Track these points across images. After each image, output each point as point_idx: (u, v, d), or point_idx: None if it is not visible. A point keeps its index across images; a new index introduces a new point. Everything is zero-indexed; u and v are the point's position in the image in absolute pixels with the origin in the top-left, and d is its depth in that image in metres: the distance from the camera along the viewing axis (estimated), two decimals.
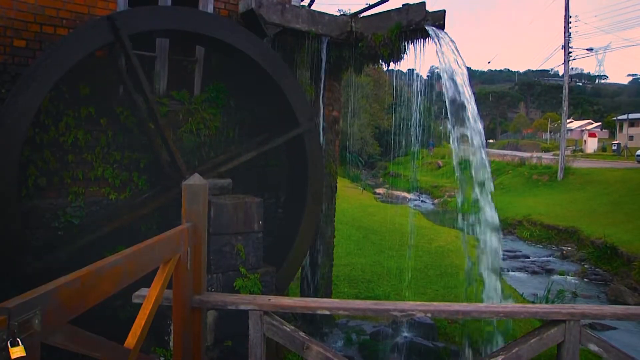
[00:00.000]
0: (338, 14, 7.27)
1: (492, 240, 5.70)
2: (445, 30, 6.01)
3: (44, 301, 1.78)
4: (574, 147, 51.85)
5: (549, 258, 15.37)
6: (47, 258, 4.74)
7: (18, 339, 1.59)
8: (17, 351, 1.56)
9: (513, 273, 13.28)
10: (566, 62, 27.71)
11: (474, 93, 5.98)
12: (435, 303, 4.05)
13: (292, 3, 6.66)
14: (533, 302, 9.37)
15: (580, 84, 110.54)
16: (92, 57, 5.09)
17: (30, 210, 5.10)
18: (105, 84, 5.53)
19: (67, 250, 4.85)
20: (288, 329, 3.51)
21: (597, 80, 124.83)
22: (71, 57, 4.62)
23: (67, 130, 5.28)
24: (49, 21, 5.18)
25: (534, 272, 13.51)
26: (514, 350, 3.51)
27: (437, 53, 5.89)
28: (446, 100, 5.83)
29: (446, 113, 6.03)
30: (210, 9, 6.15)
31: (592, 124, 76.31)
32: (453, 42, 5.91)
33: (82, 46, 4.69)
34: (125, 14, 5.09)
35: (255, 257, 5.36)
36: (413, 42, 6.28)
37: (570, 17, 27.38)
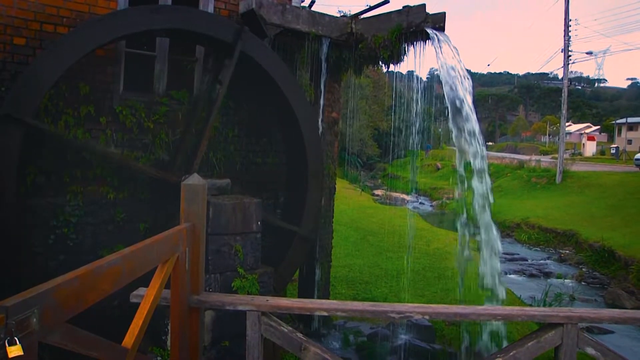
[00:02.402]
0: (338, 15, 7.26)
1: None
2: (445, 33, 6.02)
3: (41, 300, 1.77)
4: (573, 151, 51.92)
5: (546, 261, 15.37)
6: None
7: (15, 338, 1.59)
8: (15, 350, 1.56)
9: (511, 276, 13.28)
10: (565, 65, 27.73)
11: (473, 95, 5.98)
12: (433, 305, 4.05)
13: (293, 4, 6.67)
14: (531, 305, 9.38)
15: (580, 87, 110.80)
16: (91, 56, 5.09)
17: (29, 209, 5.09)
18: (105, 82, 5.53)
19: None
20: (286, 330, 3.51)
21: (596, 84, 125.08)
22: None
23: (67, 128, 5.27)
24: (49, 19, 5.18)
25: (531, 275, 13.51)
26: (511, 353, 3.51)
27: (437, 55, 5.89)
28: (447, 102, 5.82)
29: (445, 115, 6.03)
30: (210, 9, 6.15)
31: (591, 127, 76.36)
32: (453, 44, 5.91)
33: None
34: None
35: (254, 258, 5.36)
36: (413, 44, 6.28)
37: (570, 20, 27.42)
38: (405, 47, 6.33)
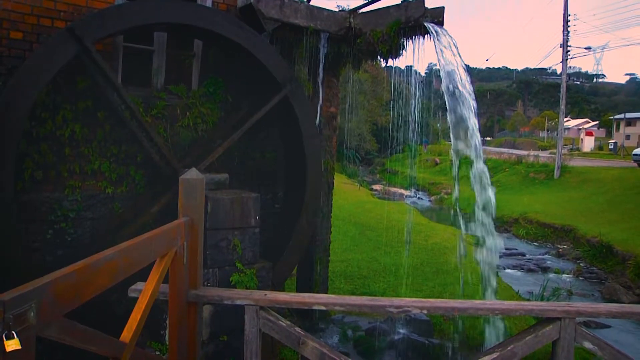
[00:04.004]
0: (337, 9, 7.23)
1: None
2: (444, 27, 6.00)
3: (39, 294, 1.77)
4: (571, 146, 51.94)
5: (544, 256, 15.40)
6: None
7: (13, 332, 1.58)
8: (12, 344, 1.56)
9: (509, 271, 13.31)
10: (564, 60, 27.74)
11: (472, 91, 5.97)
12: (431, 300, 4.07)
13: None
14: (529, 300, 9.41)
15: (578, 82, 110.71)
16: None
17: (27, 204, 5.08)
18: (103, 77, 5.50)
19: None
20: (284, 324, 3.51)
21: (594, 79, 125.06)
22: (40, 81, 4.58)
23: (64, 123, 5.26)
24: (46, 13, 5.15)
25: (529, 270, 13.54)
26: (509, 348, 3.51)
27: (435, 50, 5.88)
28: (445, 97, 5.82)
29: (443, 110, 6.03)
30: (209, 3, 6.12)
31: (590, 122, 76.38)
32: (452, 39, 5.90)
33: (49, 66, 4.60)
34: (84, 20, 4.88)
35: (252, 252, 5.36)
36: (412, 38, 6.26)
37: (569, 15, 27.41)
38: (403, 42, 6.32)
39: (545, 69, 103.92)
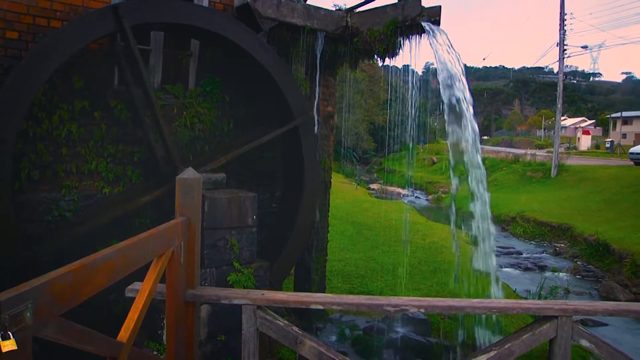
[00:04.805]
0: (334, 8, 7.23)
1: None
2: (440, 26, 6.00)
3: (35, 294, 1.77)
4: (568, 145, 52.10)
5: (542, 255, 15.43)
6: (37, 248, 4.74)
7: (9, 333, 1.58)
8: (8, 344, 1.55)
9: (506, 269, 13.33)
10: (561, 59, 27.78)
11: (469, 89, 5.98)
12: (428, 298, 4.07)
13: None
14: (526, 298, 9.42)
15: (575, 81, 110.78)
16: (86, 50, 5.07)
17: (24, 204, 5.07)
18: (100, 77, 5.50)
19: (57, 242, 4.84)
20: (281, 324, 3.51)
21: (591, 78, 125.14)
22: (73, 45, 4.64)
23: (61, 123, 5.25)
24: (42, 13, 5.14)
25: (527, 269, 13.57)
26: (506, 346, 3.52)
27: (432, 49, 5.88)
28: (442, 95, 5.82)
29: (441, 109, 6.04)
30: (205, 3, 6.12)
31: (586, 121, 76.50)
32: (448, 38, 5.90)
33: (84, 34, 4.71)
34: (128, 4, 5.09)
35: (249, 252, 5.35)
36: (408, 37, 6.26)
37: (566, 14, 27.46)
38: (400, 41, 6.31)
39: (542, 68, 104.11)
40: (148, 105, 5.35)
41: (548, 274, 12.89)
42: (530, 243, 17.23)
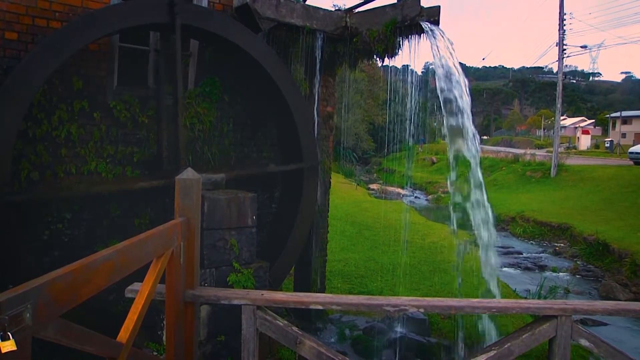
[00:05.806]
0: (333, 9, 7.23)
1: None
2: (439, 26, 6.01)
3: (35, 295, 1.77)
4: (568, 144, 52.08)
5: (541, 254, 15.42)
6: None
7: (9, 333, 1.58)
8: (8, 345, 1.55)
9: (506, 269, 13.33)
10: (560, 59, 27.79)
11: (469, 89, 5.98)
12: (428, 298, 4.07)
13: None
14: (525, 298, 9.43)
15: (574, 81, 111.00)
16: (85, 51, 5.06)
17: (23, 205, 5.05)
18: (99, 77, 5.49)
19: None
20: (281, 324, 3.51)
21: (590, 78, 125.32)
22: (123, 22, 4.83)
23: (60, 124, 5.24)
24: (41, 14, 5.13)
25: (526, 268, 13.56)
26: (506, 346, 3.52)
27: (431, 49, 5.89)
28: (440, 96, 5.83)
29: (440, 109, 6.04)
30: (204, 3, 6.12)
31: (586, 121, 76.49)
32: (448, 38, 5.91)
33: (135, 16, 4.90)
34: (184, 4, 5.23)
35: (249, 252, 5.35)
36: (408, 37, 6.26)
37: (565, 14, 27.47)
38: (400, 41, 6.31)
39: (542, 68, 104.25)
40: (173, 104, 5.47)
41: (548, 273, 12.89)
42: (530, 243, 17.22)
